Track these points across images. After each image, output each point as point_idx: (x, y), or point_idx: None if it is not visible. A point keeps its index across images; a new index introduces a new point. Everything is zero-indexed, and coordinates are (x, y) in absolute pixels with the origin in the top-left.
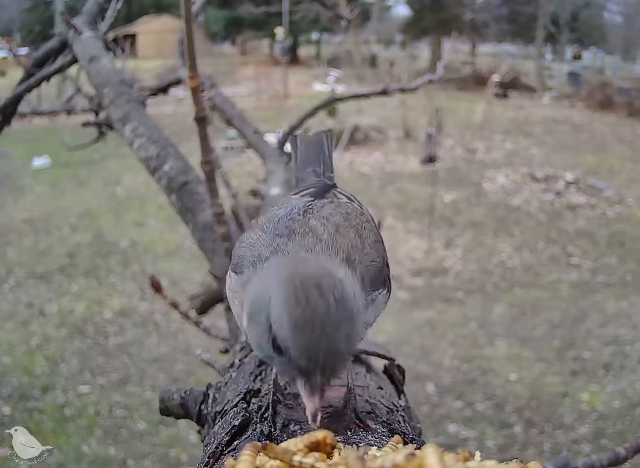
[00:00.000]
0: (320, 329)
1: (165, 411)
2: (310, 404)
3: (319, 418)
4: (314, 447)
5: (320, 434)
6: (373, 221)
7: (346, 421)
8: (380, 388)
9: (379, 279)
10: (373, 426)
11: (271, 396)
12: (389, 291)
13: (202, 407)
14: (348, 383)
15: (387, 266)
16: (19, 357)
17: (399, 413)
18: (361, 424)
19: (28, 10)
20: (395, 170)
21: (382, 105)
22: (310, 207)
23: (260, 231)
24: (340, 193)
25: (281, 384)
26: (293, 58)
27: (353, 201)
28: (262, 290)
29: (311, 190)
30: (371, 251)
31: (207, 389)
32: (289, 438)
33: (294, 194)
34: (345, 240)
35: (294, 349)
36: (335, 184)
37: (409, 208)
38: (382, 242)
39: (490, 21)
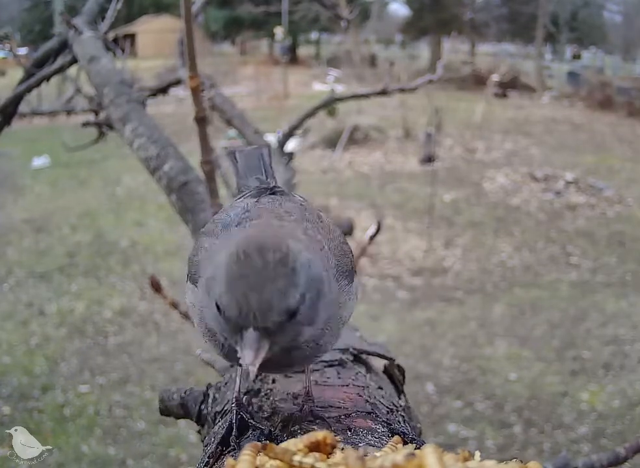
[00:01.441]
0: (254, 282)
1: (165, 411)
2: (245, 359)
3: (253, 373)
4: (314, 447)
5: (320, 434)
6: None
7: (304, 421)
8: (380, 388)
9: (350, 272)
10: (373, 426)
11: (235, 416)
12: (357, 289)
13: (202, 407)
14: (306, 387)
15: (352, 263)
16: (19, 357)
17: (399, 413)
18: (318, 422)
19: (28, 10)
20: (395, 170)
21: (382, 105)
22: (259, 202)
23: (212, 238)
24: (295, 195)
25: (245, 402)
26: (293, 58)
27: (307, 201)
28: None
29: (254, 192)
30: (340, 241)
31: (207, 389)
32: (289, 438)
33: (238, 199)
34: (309, 222)
35: (226, 302)
36: (280, 187)
37: (409, 208)
38: (345, 239)
39: (490, 21)
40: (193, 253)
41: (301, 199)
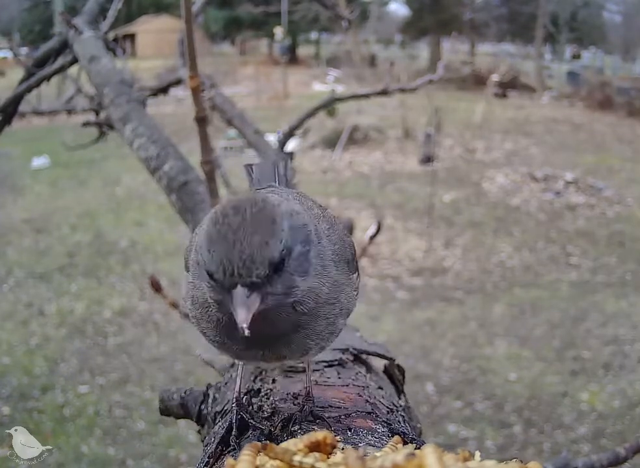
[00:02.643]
0: (234, 239)
1: (165, 411)
2: (239, 316)
3: (246, 330)
4: (314, 447)
5: (320, 434)
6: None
7: (304, 420)
8: (380, 388)
9: (352, 263)
10: (373, 426)
11: (235, 416)
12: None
13: (202, 407)
14: (306, 387)
15: (355, 258)
16: (18, 357)
17: (399, 412)
18: (318, 422)
19: (28, 10)
20: (395, 170)
21: (382, 105)
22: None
23: (201, 226)
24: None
25: (245, 402)
26: (292, 58)
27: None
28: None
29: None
30: (339, 234)
31: (207, 389)
32: (289, 438)
33: None
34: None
35: (212, 265)
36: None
37: (408, 208)
38: (348, 235)
39: (490, 21)
40: (188, 245)
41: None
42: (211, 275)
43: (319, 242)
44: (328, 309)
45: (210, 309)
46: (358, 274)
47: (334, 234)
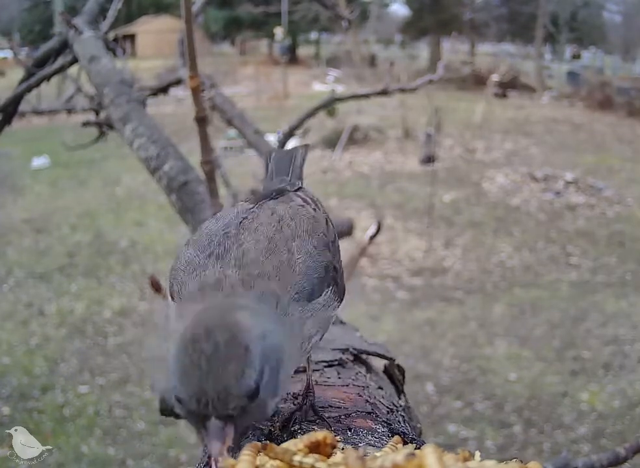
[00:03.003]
0: (207, 370)
1: (165, 411)
2: (213, 450)
3: (222, 463)
4: (314, 447)
5: (320, 434)
6: (328, 224)
7: (304, 415)
8: (380, 388)
9: (320, 287)
10: (373, 426)
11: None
12: (338, 296)
13: None
14: (307, 381)
15: (337, 270)
16: (18, 357)
17: (399, 412)
18: (319, 419)
19: (28, 10)
20: (395, 170)
21: (382, 105)
22: (246, 217)
23: (196, 249)
24: (298, 195)
25: None
26: (292, 58)
27: (309, 203)
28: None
29: (257, 196)
30: (308, 259)
31: None
32: (289, 438)
33: (244, 201)
34: (275, 257)
35: (184, 396)
36: (298, 187)
37: (408, 208)
38: (330, 247)
39: (490, 21)
40: (176, 263)
41: (301, 201)
42: (183, 403)
43: (291, 347)
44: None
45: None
46: (336, 285)
47: (311, 259)
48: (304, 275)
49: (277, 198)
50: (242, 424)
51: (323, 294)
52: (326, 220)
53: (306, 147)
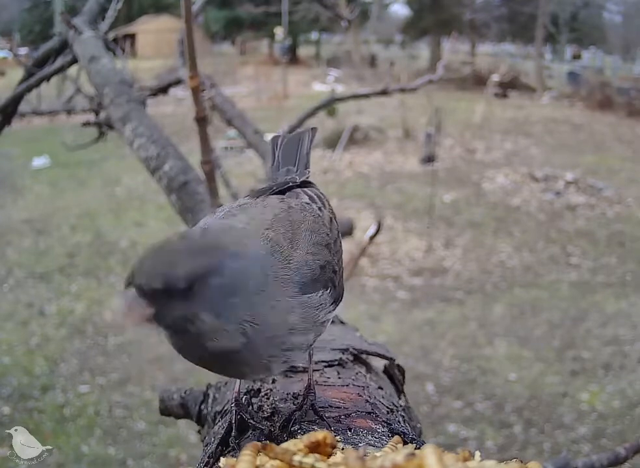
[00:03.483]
0: (158, 254)
1: (165, 411)
2: (117, 305)
3: (120, 320)
4: (314, 447)
5: (320, 434)
6: (332, 223)
7: (304, 415)
8: (380, 388)
9: (314, 285)
10: (373, 426)
11: (234, 416)
12: (334, 299)
13: (202, 407)
14: (308, 380)
15: (335, 272)
16: (18, 357)
17: (399, 413)
18: (319, 419)
19: (28, 10)
20: (395, 170)
21: (382, 105)
22: (247, 203)
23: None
24: (305, 192)
25: (245, 402)
26: (293, 58)
27: (315, 201)
28: None
29: (257, 192)
30: (302, 252)
31: (207, 388)
32: (289, 438)
33: (245, 196)
34: (281, 224)
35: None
36: (305, 181)
37: (408, 208)
38: (330, 247)
39: (490, 21)
40: None
41: (308, 198)
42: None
43: (267, 295)
44: (271, 340)
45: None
46: (334, 287)
47: (307, 256)
48: (297, 270)
49: (282, 193)
50: (159, 311)
51: (317, 293)
52: (331, 220)
53: (313, 130)
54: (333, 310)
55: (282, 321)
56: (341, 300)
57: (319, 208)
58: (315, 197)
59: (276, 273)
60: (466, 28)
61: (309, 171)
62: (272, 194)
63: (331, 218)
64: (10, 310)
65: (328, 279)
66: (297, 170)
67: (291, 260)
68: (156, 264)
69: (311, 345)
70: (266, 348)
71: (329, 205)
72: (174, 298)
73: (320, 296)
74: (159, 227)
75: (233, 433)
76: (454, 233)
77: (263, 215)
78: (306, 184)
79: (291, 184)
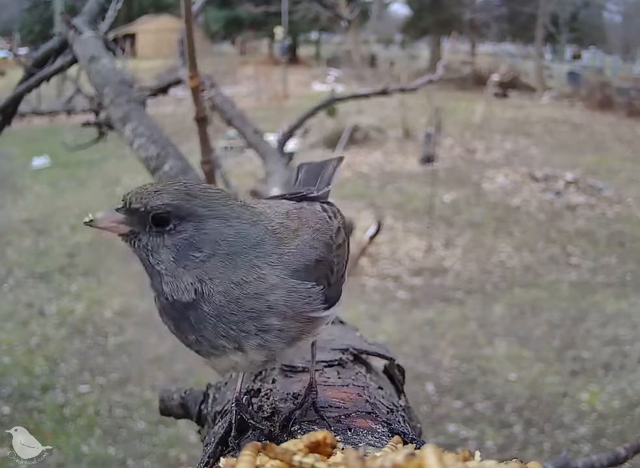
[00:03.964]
0: (155, 186)
1: (165, 410)
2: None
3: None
4: (314, 447)
5: (320, 434)
6: (340, 232)
7: (305, 414)
8: (380, 388)
9: (305, 275)
10: (373, 426)
11: (234, 416)
12: (326, 298)
13: (202, 407)
14: (310, 379)
15: (332, 272)
16: (18, 357)
17: (399, 413)
18: (318, 419)
19: (28, 10)
20: (395, 170)
21: (382, 105)
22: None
23: None
24: (321, 204)
25: (245, 402)
26: (293, 58)
27: (327, 212)
28: None
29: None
30: (302, 242)
31: (207, 389)
32: (289, 438)
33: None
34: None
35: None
36: (319, 196)
37: (408, 208)
38: (332, 249)
39: (490, 21)
40: None
41: (321, 208)
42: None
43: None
44: (236, 308)
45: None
46: (328, 285)
47: (300, 247)
48: (292, 254)
49: (295, 200)
50: (133, 236)
51: (307, 284)
52: (339, 229)
53: (340, 159)
54: (326, 310)
55: (259, 294)
56: (335, 304)
57: (329, 217)
58: (329, 209)
59: (267, 250)
60: (466, 28)
61: (329, 187)
62: (285, 199)
63: (339, 227)
64: (10, 310)
65: (323, 275)
66: (317, 188)
67: (288, 244)
68: (149, 191)
69: (296, 340)
70: (229, 314)
71: (341, 218)
72: (150, 227)
73: (309, 288)
74: None
75: (232, 433)
76: (454, 233)
77: (277, 208)
78: (323, 201)
79: (306, 194)
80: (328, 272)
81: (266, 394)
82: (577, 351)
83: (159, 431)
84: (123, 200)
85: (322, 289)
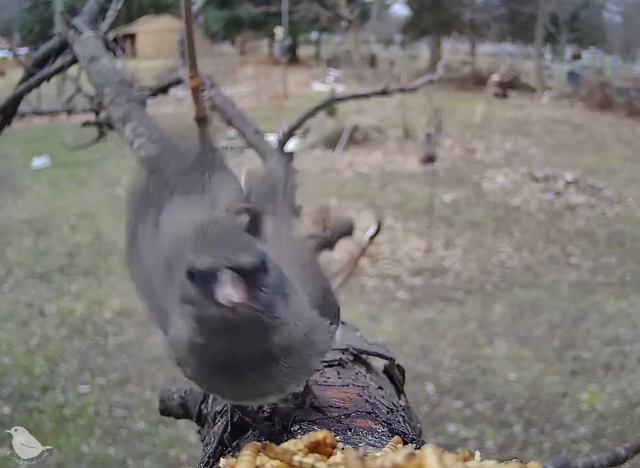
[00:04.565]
0: (220, 238)
1: (165, 411)
2: (224, 295)
3: (240, 302)
4: (314, 447)
5: (320, 434)
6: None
7: (304, 415)
8: (380, 388)
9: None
10: (373, 426)
11: (229, 414)
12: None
13: (202, 407)
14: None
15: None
16: (18, 357)
17: (399, 413)
18: (319, 419)
19: (28, 10)
20: (395, 170)
21: (382, 105)
22: None
23: None
24: None
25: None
26: (293, 58)
27: None
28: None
29: None
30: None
31: None
32: (289, 438)
33: None
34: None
35: (197, 258)
36: None
37: (408, 208)
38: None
39: (490, 21)
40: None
41: None
42: (195, 270)
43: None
44: (302, 348)
45: (194, 341)
46: (336, 323)
47: (311, 283)
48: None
49: None
50: (252, 290)
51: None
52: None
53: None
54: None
55: (312, 338)
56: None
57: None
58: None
59: (305, 292)
60: (466, 28)
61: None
62: None
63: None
64: (10, 310)
65: (335, 314)
66: None
67: (308, 286)
68: (236, 243)
69: (310, 376)
70: (297, 360)
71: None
72: (258, 273)
73: (331, 325)
74: None
75: (227, 432)
76: (454, 233)
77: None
78: None
79: None
80: (334, 307)
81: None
82: (577, 351)
83: (159, 431)
84: (222, 257)
85: (333, 324)
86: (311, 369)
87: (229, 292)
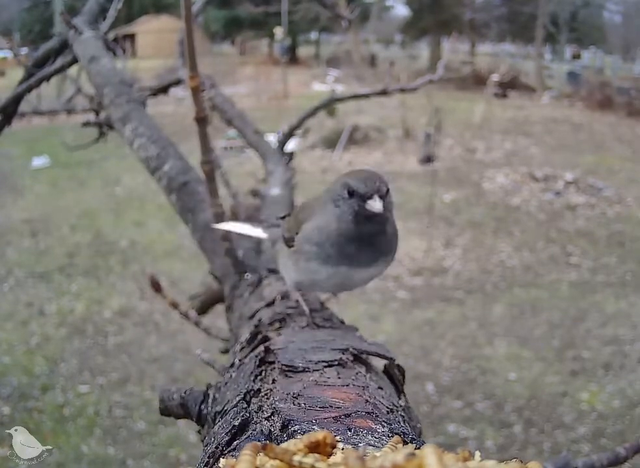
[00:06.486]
0: (369, 177)
1: (165, 411)
2: (376, 206)
3: (379, 208)
4: (314, 447)
5: (320, 434)
6: None
7: (304, 423)
8: (380, 388)
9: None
10: (373, 426)
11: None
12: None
13: (202, 407)
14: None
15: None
16: (18, 357)
17: (399, 413)
18: (319, 419)
19: (28, 10)
20: (395, 170)
21: (382, 105)
22: None
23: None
24: None
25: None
26: (292, 58)
27: None
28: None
29: None
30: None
31: (207, 389)
32: (289, 438)
33: None
34: None
35: (360, 186)
36: None
37: (408, 207)
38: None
39: (490, 21)
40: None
41: None
42: (356, 192)
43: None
44: (395, 232)
45: (336, 231)
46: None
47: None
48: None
49: None
50: (384, 207)
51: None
52: None
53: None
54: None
55: (395, 227)
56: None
57: None
58: None
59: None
60: (466, 28)
61: None
62: None
63: None
64: (10, 310)
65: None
66: None
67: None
68: (379, 182)
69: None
70: (392, 244)
71: None
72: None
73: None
74: (159, 227)
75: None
76: (454, 233)
77: None
78: None
79: None
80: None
81: (266, 394)
82: (577, 351)
83: (159, 431)
84: (373, 187)
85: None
86: (397, 245)
87: (377, 205)
